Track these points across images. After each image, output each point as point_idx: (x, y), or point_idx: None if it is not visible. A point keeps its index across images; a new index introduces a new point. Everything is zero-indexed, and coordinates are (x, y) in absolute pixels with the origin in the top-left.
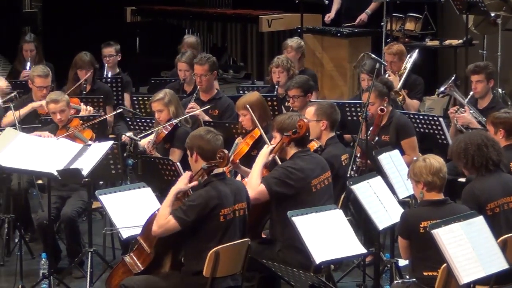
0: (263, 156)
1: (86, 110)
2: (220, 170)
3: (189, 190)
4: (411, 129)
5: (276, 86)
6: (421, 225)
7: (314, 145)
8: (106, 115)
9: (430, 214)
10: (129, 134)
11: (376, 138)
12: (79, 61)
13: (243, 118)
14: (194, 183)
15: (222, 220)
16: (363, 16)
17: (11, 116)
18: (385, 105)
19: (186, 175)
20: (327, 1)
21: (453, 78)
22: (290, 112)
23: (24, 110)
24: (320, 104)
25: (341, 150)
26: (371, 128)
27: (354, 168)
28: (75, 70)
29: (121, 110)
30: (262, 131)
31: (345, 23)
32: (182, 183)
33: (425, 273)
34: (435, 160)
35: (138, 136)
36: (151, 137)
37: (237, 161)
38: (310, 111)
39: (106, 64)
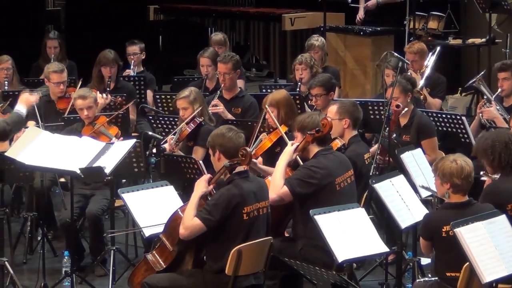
0: (287, 154)
1: (102, 97)
2: (242, 168)
3: (212, 190)
4: (432, 130)
5: (299, 83)
6: (443, 229)
7: (337, 143)
8: (129, 113)
9: (453, 218)
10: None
11: (394, 135)
12: (103, 58)
13: (268, 116)
14: (211, 187)
15: (246, 218)
16: (371, 3)
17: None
18: (409, 101)
19: (204, 178)
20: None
21: (482, 72)
22: (310, 111)
23: None
24: (342, 102)
25: (364, 148)
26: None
27: (374, 165)
28: (99, 68)
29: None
30: (282, 132)
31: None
32: (203, 185)
33: (447, 274)
34: (466, 163)
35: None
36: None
37: (259, 155)
38: (332, 109)
39: (133, 61)
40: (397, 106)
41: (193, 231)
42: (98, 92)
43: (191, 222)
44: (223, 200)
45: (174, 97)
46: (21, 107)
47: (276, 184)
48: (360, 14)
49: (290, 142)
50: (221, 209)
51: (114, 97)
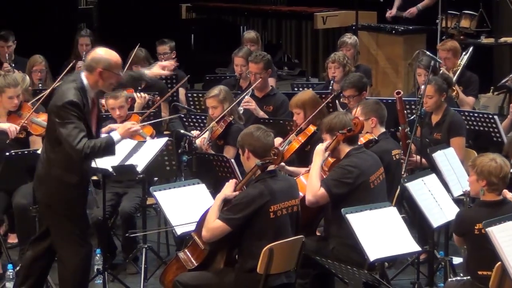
0: (319, 155)
1: (140, 97)
2: (272, 167)
3: (244, 187)
4: (462, 129)
5: (331, 82)
6: (476, 227)
7: (367, 137)
8: (161, 110)
9: (487, 216)
10: (197, 133)
11: (408, 129)
12: (135, 57)
13: (297, 117)
14: (236, 193)
15: (273, 217)
16: (413, 10)
17: None
18: (442, 100)
19: (231, 183)
20: None
21: None
22: (336, 112)
23: None
24: (365, 103)
25: (392, 145)
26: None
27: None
28: (130, 66)
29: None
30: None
31: (399, 15)
32: (228, 190)
33: (479, 272)
34: (505, 163)
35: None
36: (206, 134)
37: (287, 158)
38: (357, 112)
39: (163, 61)
40: (397, 92)
41: (214, 233)
42: (135, 92)
43: (212, 224)
44: (248, 200)
45: (206, 95)
46: (116, 134)
47: (313, 185)
48: (393, 11)
49: (320, 143)
50: (243, 207)
51: (152, 96)
